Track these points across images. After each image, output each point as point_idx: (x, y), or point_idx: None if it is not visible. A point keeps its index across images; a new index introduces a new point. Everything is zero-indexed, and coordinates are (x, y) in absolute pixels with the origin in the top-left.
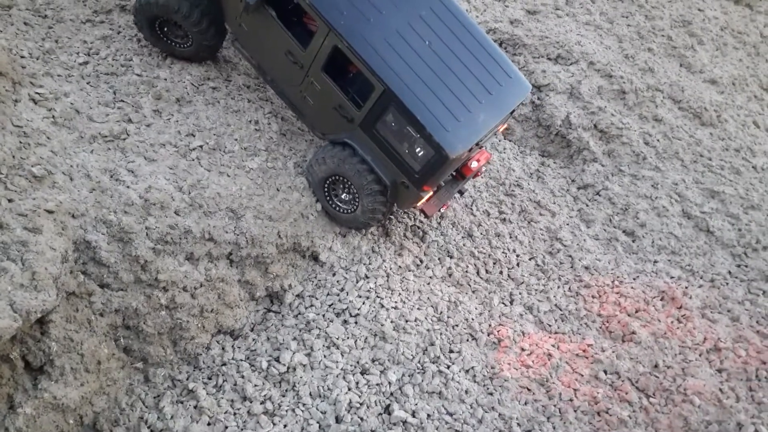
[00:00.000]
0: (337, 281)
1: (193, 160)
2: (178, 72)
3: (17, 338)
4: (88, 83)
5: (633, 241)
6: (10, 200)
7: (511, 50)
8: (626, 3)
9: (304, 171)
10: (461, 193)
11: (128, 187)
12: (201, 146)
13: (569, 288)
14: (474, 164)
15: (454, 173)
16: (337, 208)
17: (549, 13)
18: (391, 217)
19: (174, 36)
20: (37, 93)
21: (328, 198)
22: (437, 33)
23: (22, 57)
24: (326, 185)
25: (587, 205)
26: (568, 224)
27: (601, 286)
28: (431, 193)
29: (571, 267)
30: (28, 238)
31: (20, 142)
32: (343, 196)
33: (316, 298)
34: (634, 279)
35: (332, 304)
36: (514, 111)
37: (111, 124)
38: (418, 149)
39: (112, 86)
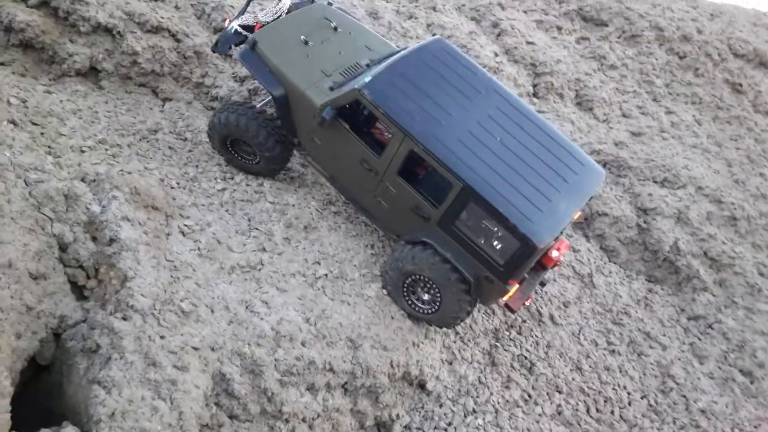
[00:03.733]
0: (444, 414)
1: (319, 289)
2: (304, 197)
3: None
4: (226, 211)
5: (751, 383)
6: (162, 337)
7: (615, 172)
8: (734, 126)
9: (382, 273)
10: (543, 284)
11: (262, 318)
12: (326, 275)
13: None
14: (555, 253)
15: (534, 264)
16: (418, 309)
17: (654, 135)
18: (497, 344)
19: (243, 153)
20: (185, 225)
21: (407, 299)
22: (507, 129)
23: (172, 188)
24: (405, 286)
25: (699, 339)
26: (679, 359)
27: None
28: (516, 286)
29: (686, 409)
30: (177, 376)
31: (171, 276)
32: (423, 297)
33: None
34: (756, 427)
35: None
36: (591, 198)
37: (248, 254)
38: (501, 242)
39: (247, 213)
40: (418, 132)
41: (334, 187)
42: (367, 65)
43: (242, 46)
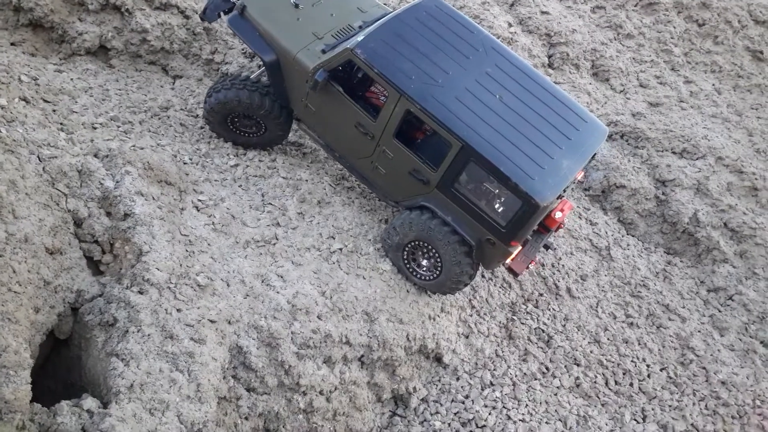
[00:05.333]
0: (462, 387)
1: (334, 263)
2: (317, 172)
3: None
4: (239, 186)
5: None
6: (178, 310)
7: (633, 143)
8: (755, 94)
9: (381, 240)
10: (547, 247)
11: (278, 292)
12: (340, 249)
13: (706, 405)
14: (558, 215)
15: (537, 226)
16: (418, 275)
17: (673, 105)
18: (514, 318)
19: (244, 127)
20: (199, 200)
21: (407, 265)
22: (506, 86)
23: (185, 163)
24: (405, 252)
25: (719, 311)
26: (699, 331)
27: (741, 405)
28: (519, 248)
29: (706, 381)
30: (194, 349)
31: (186, 251)
32: (423, 262)
33: (441, 404)
34: None
35: (458, 413)
36: (595, 155)
37: (262, 228)
38: (503, 202)
39: (260, 188)
40: (414, 91)
41: (330, 155)
42: (360, 27)
43: (231, 12)
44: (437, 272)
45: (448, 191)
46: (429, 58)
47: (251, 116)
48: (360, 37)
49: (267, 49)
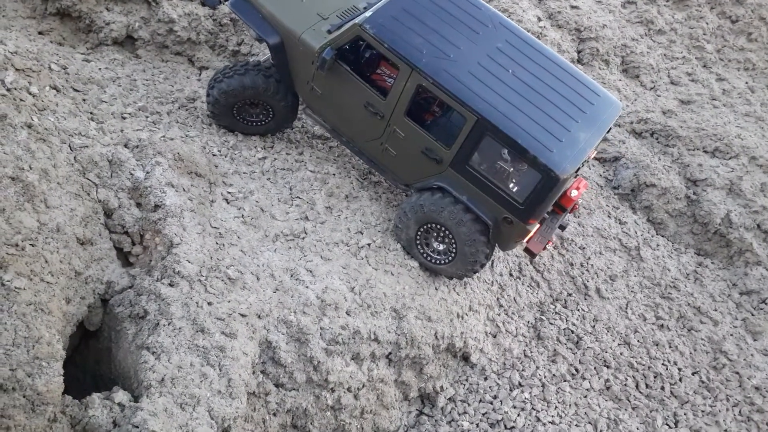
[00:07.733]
0: (490, 387)
1: (363, 258)
2: (344, 166)
3: None
4: (268, 179)
5: None
6: (209, 303)
7: (663, 141)
8: None
9: (393, 226)
10: (563, 228)
11: (307, 287)
12: (369, 244)
13: (740, 411)
14: (574, 193)
15: (552, 207)
16: (432, 260)
17: (704, 103)
18: (543, 318)
19: (249, 115)
20: (228, 192)
21: (420, 250)
22: (518, 61)
23: (214, 155)
24: (418, 236)
25: (753, 314)
26: (732, 335)
27: None
28: (537, 227)
29: (740, 386)
30: (225, 343)
31: (217, 243)
32: (436, 246)
33: (469, 404)
34: None
35: (486, 413)
36: (610, 129)
37: (291, 222)
38: (520, 178)
39: (288, 182)
40: (426, 65)
41: (338, 140)
42: (365, 8)
43: None
44: (452, 255)
45: (462, 169)
46: (439, 33)
47: (254, 102)
48: (368, 14)
49: (271, 31)
